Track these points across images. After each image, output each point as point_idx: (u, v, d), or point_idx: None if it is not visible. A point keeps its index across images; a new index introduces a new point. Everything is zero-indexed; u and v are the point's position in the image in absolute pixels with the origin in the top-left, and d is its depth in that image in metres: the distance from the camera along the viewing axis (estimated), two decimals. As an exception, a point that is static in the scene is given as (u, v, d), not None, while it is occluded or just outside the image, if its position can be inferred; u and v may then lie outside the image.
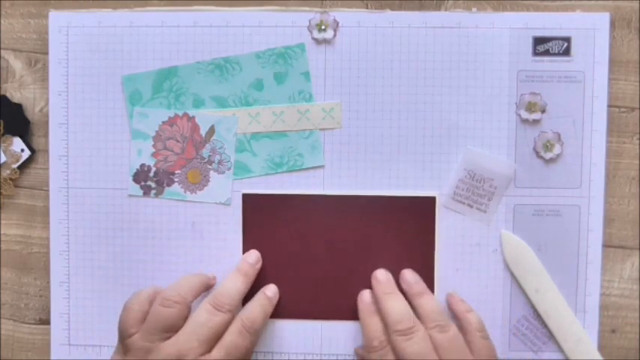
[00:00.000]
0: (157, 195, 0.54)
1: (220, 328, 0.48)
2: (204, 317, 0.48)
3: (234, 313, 0.49)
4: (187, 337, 0.47)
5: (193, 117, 0.54)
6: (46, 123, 0.55)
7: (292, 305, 0.54)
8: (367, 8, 0.54)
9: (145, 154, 0.54)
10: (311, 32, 0.53)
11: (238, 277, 0.52)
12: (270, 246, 0.54)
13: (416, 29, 0.53)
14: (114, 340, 0.54)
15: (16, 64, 0.56)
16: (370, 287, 0.53)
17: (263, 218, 0.54)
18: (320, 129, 0.54)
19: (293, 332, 0.54)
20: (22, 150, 0.56)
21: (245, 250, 0.54)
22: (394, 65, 0.53)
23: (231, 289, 0.50)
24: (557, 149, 0.53)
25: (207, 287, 0.53)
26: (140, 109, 0.54)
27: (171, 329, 0.48)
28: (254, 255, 0.53)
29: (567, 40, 0.52)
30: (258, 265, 0.53)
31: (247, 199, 0.54)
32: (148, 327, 0.48)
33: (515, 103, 0.53)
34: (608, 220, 0.54)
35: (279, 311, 0.54)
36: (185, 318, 0.48)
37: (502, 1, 0.53)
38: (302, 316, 0.54)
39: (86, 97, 0.55)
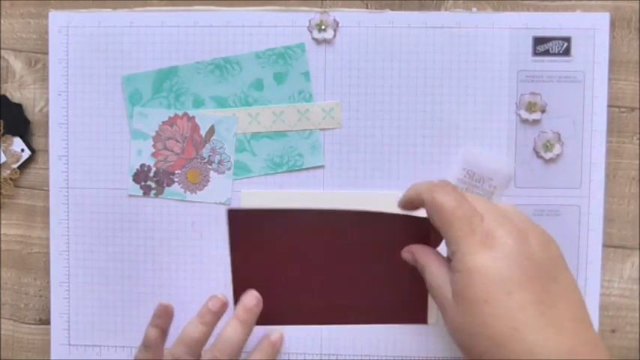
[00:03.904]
0: (156, 195, 0.54)
1: None
2: None
3: None
4: None
5: (193, 117, 0.54)
6: (46, 123, 0.55)
7: (292, 311, 0.54)
8: (367, 8, 0.54)
9: (145, 154, 0.54)
10: (311, 32, 0.53)
11: (237, 326, 0.51)
12: (266, 252, 0.54)
13: (416, 29, 0.53)
14: (114, 340, 0.55)
15: (16, 64, 0.56)
16: (369, 289, 0.53)
17: (259, 221, 0.54)
18: (320, 129, 0.54)
19: (293, 333, 0.54)
20: (22, 150, 0.56)
21: (235, 268, 0.54)
22: (394, 65, 0.53)
23: (232, 340, 0.51)
24: (557, 149, 0.53)
25: (219, 316, 0.52)
26: (140, 109, 0.54)
27: None
28: (252, 297, 0.52)
29: (567, 40, 0.52)
30: (258, 308, 0.52)
31: (233, 215, 0.53)
32: None
33: (515, 103, 0.53)
34: (608, 220, 0.53)
35: (280, 318, 0.54)
36: None
37: (502, 1, 0.53)
38: (302, 321, 0.54)
39: (86, 97, 0.55)
